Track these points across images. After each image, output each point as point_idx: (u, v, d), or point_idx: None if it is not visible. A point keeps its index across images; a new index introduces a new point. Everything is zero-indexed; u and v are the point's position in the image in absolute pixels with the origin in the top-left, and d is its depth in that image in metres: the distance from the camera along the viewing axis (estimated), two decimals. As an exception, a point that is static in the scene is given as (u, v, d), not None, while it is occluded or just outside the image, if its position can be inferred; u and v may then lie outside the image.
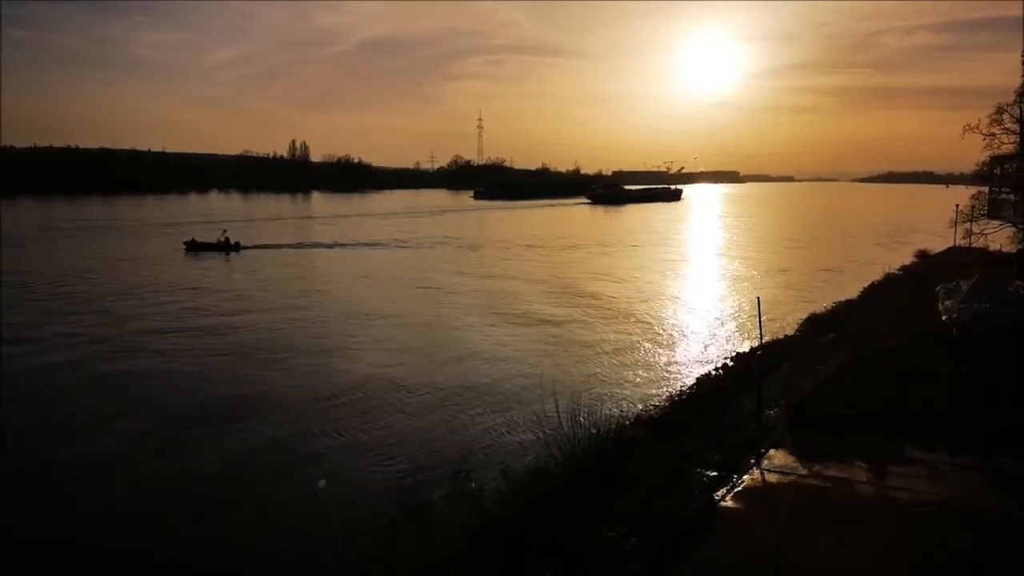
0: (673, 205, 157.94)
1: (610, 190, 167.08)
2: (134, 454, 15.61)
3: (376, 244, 63.63)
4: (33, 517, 12.81)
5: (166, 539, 12.04)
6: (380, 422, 17.47)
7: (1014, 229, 32.09)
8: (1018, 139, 30.17)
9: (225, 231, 55.43)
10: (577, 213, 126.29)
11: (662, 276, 45.91)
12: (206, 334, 26.79)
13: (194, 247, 53.61)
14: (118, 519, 12.79)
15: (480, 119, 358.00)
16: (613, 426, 12.46)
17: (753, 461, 11.17)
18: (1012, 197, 32.28)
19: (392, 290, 38.40)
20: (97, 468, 14.85)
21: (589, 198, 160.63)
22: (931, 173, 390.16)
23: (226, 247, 53.86)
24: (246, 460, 15.22)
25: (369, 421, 17.52)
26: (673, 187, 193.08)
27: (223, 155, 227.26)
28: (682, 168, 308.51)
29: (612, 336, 26.87)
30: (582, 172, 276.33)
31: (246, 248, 54.95)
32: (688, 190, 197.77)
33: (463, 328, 28.60)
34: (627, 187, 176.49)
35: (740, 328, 28.41)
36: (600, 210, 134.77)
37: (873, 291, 32.05)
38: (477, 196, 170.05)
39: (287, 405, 18.68)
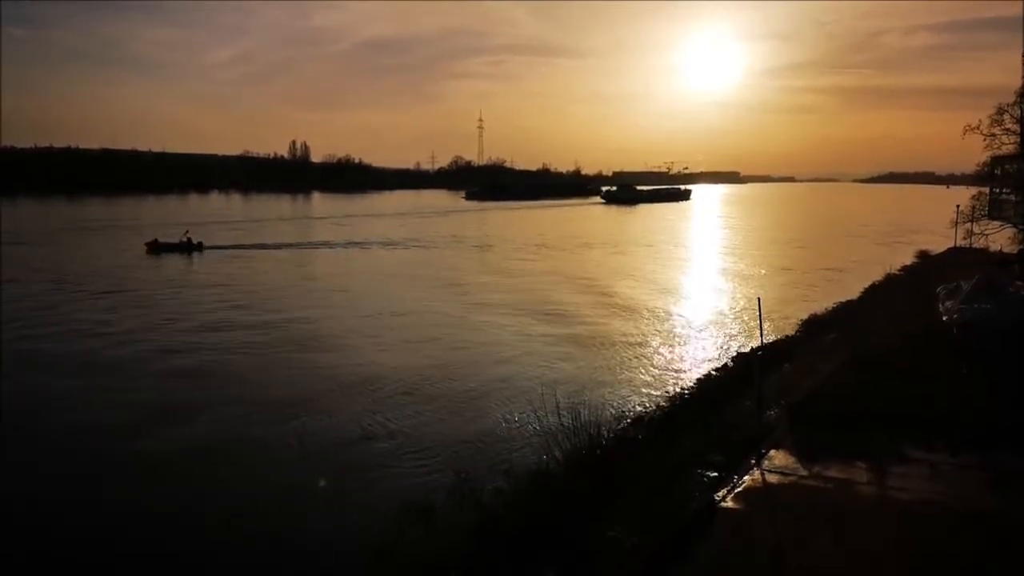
0: (683, 205, 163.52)
1: (623, 191, 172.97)
2: (131, 452, 15.60)
3: (364, 243, 63.93)
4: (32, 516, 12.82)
5: (165, 537, 12.05)
6: (380, 422, 17.45)
7: (1015, 230, 32.08)
8: (1018, 139, 30.17)
9: (187, 231, 55.35)
10: (591, 212, 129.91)
11: (671, 275, 46.24)
12: (171, 336, 26.76)
13: (156, 248, 53.48)
14: (116, 516, 12.80)
15: (481, 119, 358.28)
16: (614, 425, 12.49)
17: (753, 461, 11.18)
18: (1013, 198, 32.28)
19: (369, 292, 38.45)
20: (99, 467, 14.86)
21: (603, 198, 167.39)
22: (932, 173, 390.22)
23: (189, 247, 53.88)
24: (244, 461, 15.21)
25: (369, 421, 17.51)
26: (683, 187, 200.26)
27: (223, 155, 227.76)
28: (685, 168, 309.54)
29: (614, 335, 26.85)
30: (583, 172, 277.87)
31: (210, 248, 54.89)
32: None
33: (462, 327, 28.62)
34: (639, 187, 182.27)
35: (741, 327, 28.39)
36: (614, 209, 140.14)
37: (874, 291, 32.05)
38: (469, 196, 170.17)
39: (280, 403, 18.68)
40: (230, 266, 47.66)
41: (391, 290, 38.33)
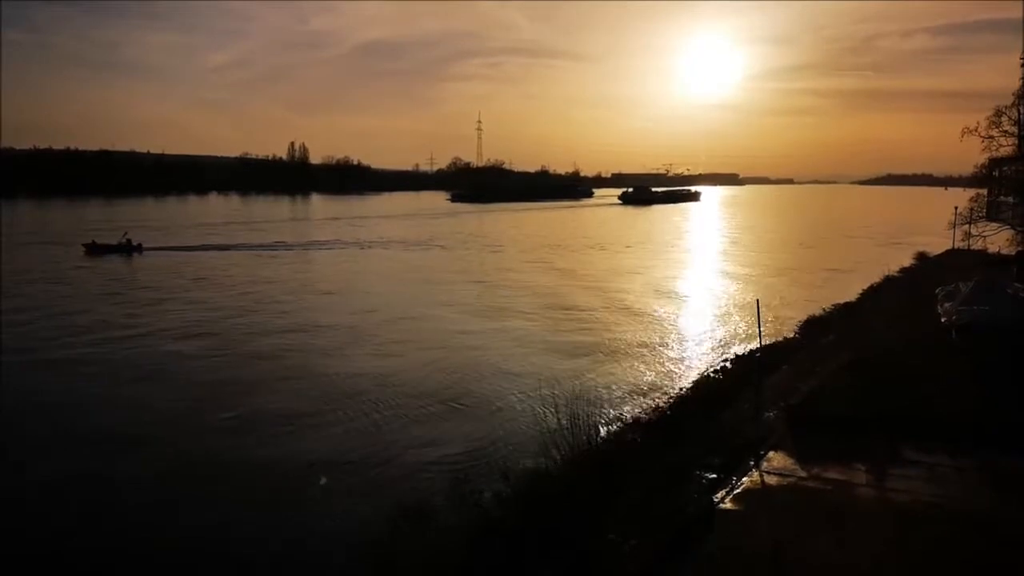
0: (694, 206, 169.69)
1: (640, 192, 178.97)
2: (128, 451, 15.58)
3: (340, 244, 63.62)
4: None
5: (164, 538, 12.04)
6: (378, 423, 17.45)
7: (1013, 231, 32.16)
8: (1016, 141, 30.27)
9: (126, 232, 55.22)
10: (610, 213, 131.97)
11: (678, 274, 46.53)
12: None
13: (95, 249, 53.07)
14: (114, 515, 12.79)
15: (479, 121, 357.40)
16: (613, 428, 12.50)
17: (752, 463, 11.20)
18: (1010, 200, 32.37)
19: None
20: (88, 470, 14.85)
21: (620, 199, 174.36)
22: (930, 175, 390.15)
23: (128, 249, 53.66)
24: (244, 461, 15.20)
25: (367, 422, 17.51)
26: (693, 189, 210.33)
27: (222, 157, 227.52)
28: (687, 169, 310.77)
29: (614, 337, 26.83)
30: (581, 174, 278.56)
31: (149, 250, 54.35)
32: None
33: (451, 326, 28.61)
34: (654, 189, 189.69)
35: (742, 327, 28.39)
36: (631, 210, 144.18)
37: (872, 293, 32.10)
38: (455, 199, 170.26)
39: (280, 402, 18.68)
40: (167, 268, 46.28)
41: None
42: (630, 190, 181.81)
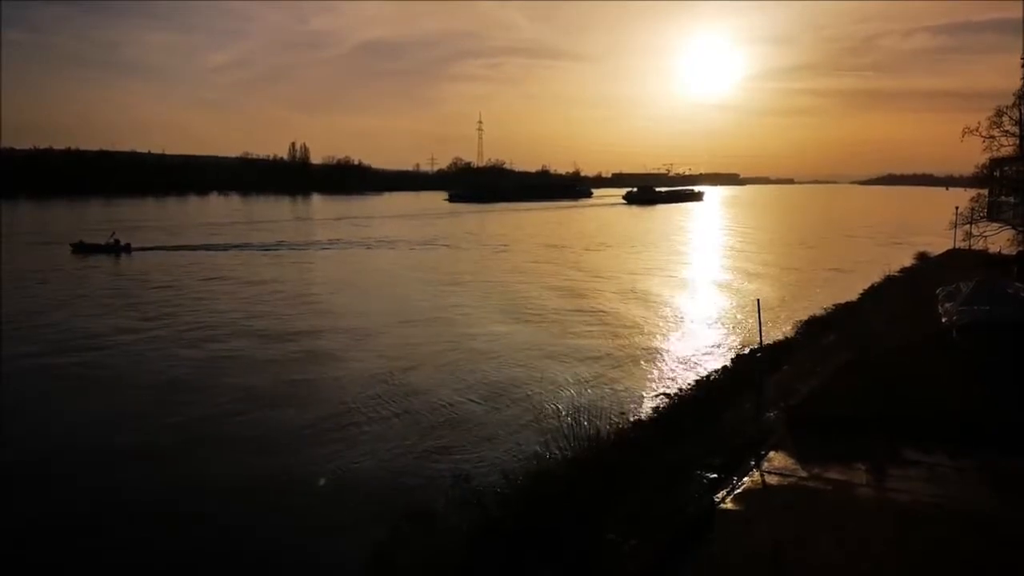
0: (697, 206, 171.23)
1: (644, 192, 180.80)
2: (130, 454, 15.62)
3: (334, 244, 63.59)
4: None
5: (164, 539, 12.06)
6: (380, 424, 17.47)
7: (1013, 231, 32.21)
8: (1017, 142, 30.33)
9: (114, 232, 55.28)
10: (613, 213, 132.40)
11: (678, 276, 46.39)
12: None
13: (82, 248, 53.11)
14: (113, 516, 12.82)
15: (480, 121, 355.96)
16: (614, 428, 12.49)
17: (753, 463, 11.20)
18: (1011, 200, 32.44)
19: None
20: (91, 468, 14.88)
21: (624, 199, 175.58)
22: (931, 175, 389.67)
23: (116, 249, 53.62)
24: (244, 460, 15.23)
25: (368, 423, 17.53)
26: (696, 189, 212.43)
27: (223, 157, 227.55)
28: (688, 169, 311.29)
29: (618, 338, 26.83)
30: (582, 174, 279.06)
31: (137, 250, 54.25)
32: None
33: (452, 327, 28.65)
34: (657, 189, 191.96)
35: (743, 327, 28.39)
36: (636, 210, 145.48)
37: (873, 293, 32.11)
38: (453, 199, 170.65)
39: (282, 404, 18.71)
40: (150, 268, 46.01)
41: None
42: (635, 190, 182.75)
